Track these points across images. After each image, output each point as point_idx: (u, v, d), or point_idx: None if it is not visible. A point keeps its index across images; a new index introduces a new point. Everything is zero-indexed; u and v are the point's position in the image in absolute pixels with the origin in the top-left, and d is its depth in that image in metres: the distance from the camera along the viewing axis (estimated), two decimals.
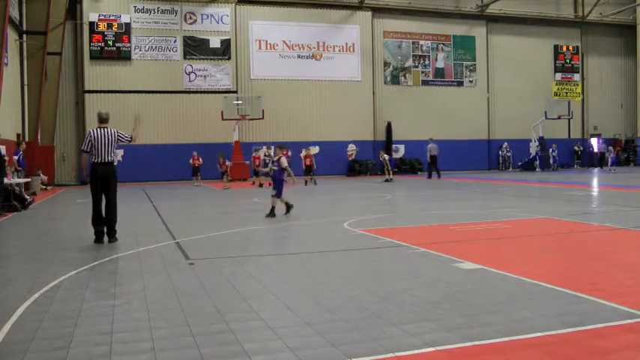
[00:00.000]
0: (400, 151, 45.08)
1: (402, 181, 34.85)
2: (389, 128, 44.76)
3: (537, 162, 45.66)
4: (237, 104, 39.15)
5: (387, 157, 34.85)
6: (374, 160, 43.70)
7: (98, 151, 12.06)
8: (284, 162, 16.64)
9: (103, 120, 12.33)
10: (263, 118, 38.77)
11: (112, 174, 12.27)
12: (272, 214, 16.32)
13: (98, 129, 12.18)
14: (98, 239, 12.23)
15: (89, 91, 38.78)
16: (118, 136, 12.27)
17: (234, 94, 40.53)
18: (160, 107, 39.42)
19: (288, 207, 16.78)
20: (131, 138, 12.48)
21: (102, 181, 12.17)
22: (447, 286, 7.53)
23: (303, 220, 15.76)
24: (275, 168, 16.66)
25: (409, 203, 21.39)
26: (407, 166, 44.45)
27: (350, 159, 43.71)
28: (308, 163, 33.31)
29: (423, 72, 46.69)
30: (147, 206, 20.42)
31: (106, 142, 12.09)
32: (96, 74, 38.82)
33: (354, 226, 13.70)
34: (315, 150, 35.97)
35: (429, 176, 36.72)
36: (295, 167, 36.06)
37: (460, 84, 47.58)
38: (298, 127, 42.02)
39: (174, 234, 13.22)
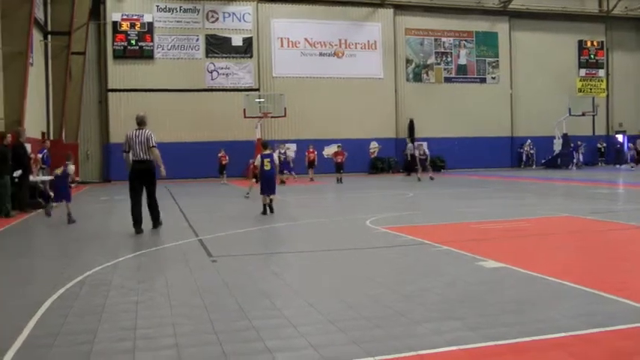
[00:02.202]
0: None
1: (423, 179, 34.70)
2: (411, 126, 44.59)
3: (574, 159, 45.36)
4: (260, 102, 39.15)
5: (427, 151, 34.03)
6: (396, 157, 43.61)
7: (134, 150, 13.31)
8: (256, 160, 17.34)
9: (139, 122, 13.51)
10: (285, 115, 38.69)
11: (148, 170, 13.48)
12: (267, 210, 16.64)
13: (135, 130, 13.40)
14: (138, 230, 13.25)
15: (112, 90, 39.00)
16: (147, 137, 13.32)
17: (257, 92, 40.53)
18: (182, 105, 39.54)
19: (267, 208, 16.83)
20: (153, 147, 13.38)
21: (140, 177, 13.46)
22: (470, 284, 7.49)
23: (326, 218, 15.75)
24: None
25: (432, 201, 21.31)
26: (429, 164, 44.29)
27: (372, 157, 43.65)
28: (339, 160, 33.14)
29: (445, 69, 46.48)
30: (170, 204, 20.48)
31: (137, 142, 13.26)
32: (119, 73, 39.03)
33: (377, 224, 13.68)
34: (336, 148, 35.78)
35: (408, 174, 38.91)
36: (321, 164, 36.30)
37: (483, 81, 47.32)
38: (320, 125, 41.91)
39: (196, 231, 13.27)
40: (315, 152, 35.92)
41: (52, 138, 32.30)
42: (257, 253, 10.48)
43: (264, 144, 18.20)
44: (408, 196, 22.78)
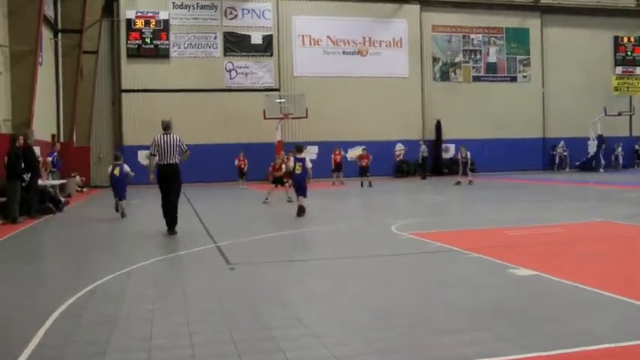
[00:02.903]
0: (450, 151, 44.69)
1: (452, 182, 34.54)
2: (438, 127, 44.38)
3: (602, 162, 44.94)
4: (280, 102, 39.12)
5: (469, 154, 33.16)
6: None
7: (162, 154, 14.21)
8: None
9: (165, 127, 14.44)
10: (306, 116, 38.62)
11: (175, 174, 14.36)
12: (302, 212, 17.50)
13: (162, 135, 14.27)
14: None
15: (126, 91, 39.10)
16: (179, 143, 14.36)
17: (277, 92, 40.51)
18: (199, 106, 39.53)
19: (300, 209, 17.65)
20: (186, 151, 14.55)
21: (166, 180, 14.29)
22: (501, 293, 7.44)
23: (349, 223, 15.75)
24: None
25: (461, 205, 21.23)
26: (457, 166, 43.92)
27: (397, 159, 43.46)
28: (364, 164, 32.87)
29: (474, 67, 46.24)
30: (186, 208, 20.52)
31: (167, 146, 14.15)
32: (133, 73, 39.12)
33: (403, 230, 13.63)
34: (360, 150, 35.62)
35: (424, 177, 39.76)
36: (344, 167, 36.20)
37: (513, 79, 47.02)
38: (343, 126, 41.64)
39: (214, 237, 13.29)
40: (342, 154, 35.81)
41: (62, 140, 32.49)
42: (277, 260, 10.46)
43: (299, 148, 18.84)
44: (436, 201, 22.70)
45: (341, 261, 10.21)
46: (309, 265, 10.01)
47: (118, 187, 18.73)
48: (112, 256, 11.13)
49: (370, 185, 31.67)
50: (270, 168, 24.36)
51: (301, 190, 17.62)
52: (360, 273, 9.14)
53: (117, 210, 18.56)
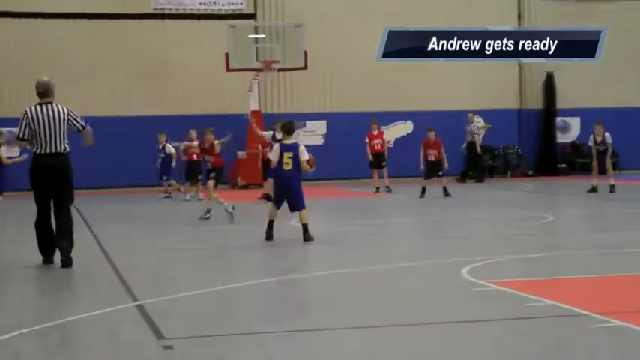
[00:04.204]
0: (571, 130, 44.46)
1: (578, 185, 34.52)
2: (549, 85, 44.18)
3: None
4: (257, 41, 39.01)
5: (609, 137, 32.21)
6: (519, 147, 43.09)
7: (40, 138, 14.98)
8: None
9: (43, 93, 15.20)
10: (305, 67, 38.44)
11: (64, 168, 15.37)
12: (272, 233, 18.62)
13: (38, 106, 15.08)
14: (47, 260, 15.55)
15: None
16: (69, 118, 15.33)
17: (251, 22, 40.44)
18: (107, 47, 39.44)
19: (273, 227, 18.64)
20: (84, 128, 15.84)
21: (50, 179, 15.22)
22: None
23: (389, 263, 15.78)
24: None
25: (586, 231, 21.27)
26: (584, 159, 43.19)
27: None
28: (433, 158, 31.78)
29: None
30: (83, 237, 20.57)
31: (51, 124, 14.98)
32: None
33: (482, 276, 13.66)
34: (406, 129, 35.58)
35: (463, 179, 40.23)
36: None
37: None
38: (372, 86, 41.59)
39: (134, 290, 13.30)
40: (384, 137, 35.33)
41: None
42: (248, 331, 10.46)
43: (288, 127, 18.90)
44: (544, 222, 22.76)
45: (368, 332, 10.21)
46: (305, 341, 10.01)
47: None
48: None
49: (446, 193, 31.20)
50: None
51: (295, 200, 18.01)
52: (402, 354, 9.15)
53: None
